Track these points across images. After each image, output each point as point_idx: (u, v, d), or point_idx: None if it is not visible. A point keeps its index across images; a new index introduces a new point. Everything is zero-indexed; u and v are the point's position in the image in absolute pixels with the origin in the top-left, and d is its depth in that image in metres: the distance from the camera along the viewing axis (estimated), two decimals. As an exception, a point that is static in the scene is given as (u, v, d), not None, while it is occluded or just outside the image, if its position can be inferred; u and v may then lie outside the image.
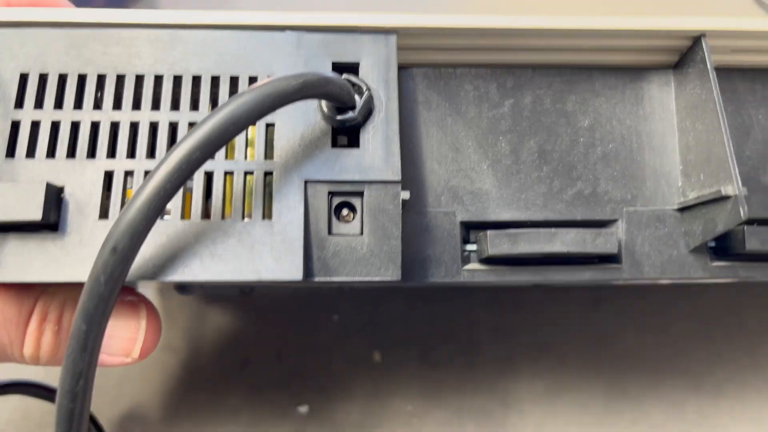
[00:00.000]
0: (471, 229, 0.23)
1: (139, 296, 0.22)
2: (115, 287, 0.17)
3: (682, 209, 0.23)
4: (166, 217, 0.19)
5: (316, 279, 0.19)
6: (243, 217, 0.19)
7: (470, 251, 0.23)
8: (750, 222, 0.22)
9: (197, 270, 0.19)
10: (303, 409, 0.34)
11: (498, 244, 0.22)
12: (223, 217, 0.19)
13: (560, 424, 0.34)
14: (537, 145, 0.23)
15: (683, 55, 0.23)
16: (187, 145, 0.16)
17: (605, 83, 0.24)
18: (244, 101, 0.17)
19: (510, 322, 0.38)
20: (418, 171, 0.23)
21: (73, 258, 0.19)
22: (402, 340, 0.37)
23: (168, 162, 0.16)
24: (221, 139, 0.17)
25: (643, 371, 0.36)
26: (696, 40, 0.23)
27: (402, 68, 0.23)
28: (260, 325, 0.37)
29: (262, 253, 0.19)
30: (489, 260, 0.23)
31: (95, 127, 0.20)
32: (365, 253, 0.20)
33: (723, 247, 0.23)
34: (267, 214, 0.19)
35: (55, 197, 0.19)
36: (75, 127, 0.20)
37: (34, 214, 0.18)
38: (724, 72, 0.24)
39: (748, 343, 0.38)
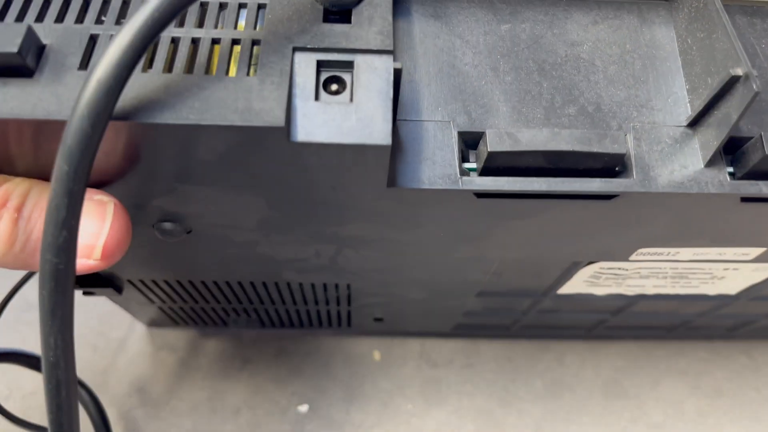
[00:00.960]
0: (470, 148, 0.22)
1: (109, 195, 0.21)
2: (97, 123, 0.16)
3: (693, 124, 0.22)
4: (149, 70, 0.18)
5: (299, 139, 0.18)
6: (225, 72, 0.19)
7: (470, 169, 0.22)
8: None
9: (178, 113, 0.18)
10: (303, 408, 0.34)
11: (498, 142, 0.21)
12: (206, 72, 0.18)
13: (560, 423, 0.34)
14: (536, 65, 0.23)
15: (678, -16, 0.24)
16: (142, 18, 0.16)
17: (605, 14, 0.24)
18: None
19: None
20: (413, 80, 0.22)
21: (47, 93, 0.18)
22: (402, 340, 0.35)
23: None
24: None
25: (642, 371, 0.36)
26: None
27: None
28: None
29: (249, 100, 0.18)
30: (489, 169, 0.21)
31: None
32: (352, 121, 0.19)
33: (739, 161, 0.22)
34: (252, 73, 0.19)
35: (35, 44, 0.18)
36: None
37: (10, 46, 0.17)
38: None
39: (747, 343, 0.38)
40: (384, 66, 0.19)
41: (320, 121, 0.18)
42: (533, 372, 0.34)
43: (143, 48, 0.16)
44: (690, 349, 0.37)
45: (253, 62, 0.19)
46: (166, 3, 0.16)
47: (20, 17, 0.19)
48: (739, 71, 0.19)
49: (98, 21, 0.20)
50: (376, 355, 0.36)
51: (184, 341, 0.36)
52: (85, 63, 0.18)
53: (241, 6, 0.20)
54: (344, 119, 0.19)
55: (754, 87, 0.19)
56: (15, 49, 0.17)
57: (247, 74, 0.19)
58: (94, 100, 0.16)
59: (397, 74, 0.19)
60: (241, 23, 0.20)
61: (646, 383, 0.36)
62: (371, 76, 0.19)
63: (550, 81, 0.23)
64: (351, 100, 0.19)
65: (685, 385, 0.36)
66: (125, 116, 0.17)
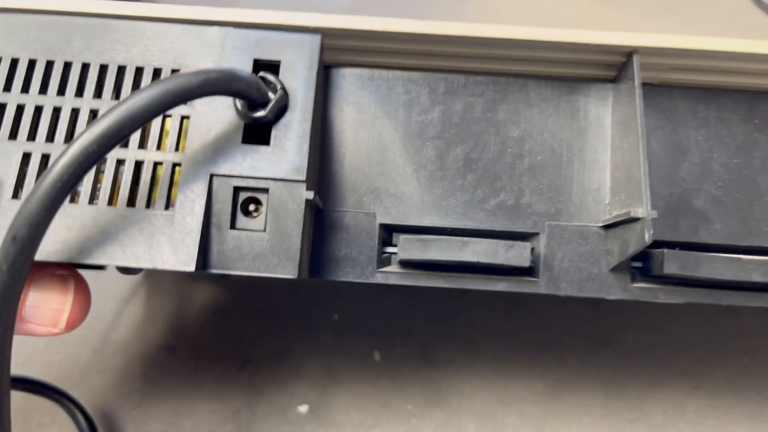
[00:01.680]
0: (393, 231, 0.24)
1: (70, 269, 0.23)
2: (18, 274, 0.18)
3: (606, 227, 0.23)
4: (77, 200, 0.20)
5: (212, 271, 0.20)
6: (148, 206, 0.20)
7: (390, 253, 0.23)
8: (673, 245, 0.22)
9: (97, 254, 0.19)
10: (303, 409, 0.35)
11: (409, 248, 0.22)
12: (128, 204, 0.20)
13: (560, 424, 0.35)
14: (463, 153, 0.23)
15: (620, 70, 0.23)
16: (84, 139, 0.17)
17: (540, 94, 0.24)
18: (143, 97, 0.17)
19: (510, 322, 0.38)
20: (341, 170, 0.23)
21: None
22: (402, 340, 0.37)
23: (66, 155, 0.17)
24: (118, 135, 0.17)
25: (642, 371, 0.36)
26: (629, 55, 0.22)
27: (333, 67, 0.23)
28: (260, 325, 0.38)
29: (161, 242, 0.20)
30: (404, 263, 0.23)
31: (20, 109, 0.21)
32: (264, 249, 0.20)
33: (646, 268, 0.23)
34: (170, 204, 0.20)
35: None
36: (2, 107, 0.21)
37: None
38: (665, 90, 0.24)
39: (747, 343, 0.37)
40: (297, 195, 0.20)
41: (235, 253, 0.20)
42: (533, 372, 0.35)
43: (54, 209, 0.17)
44: (690, 349, 0.37)
45: (174, 182, 0.20)
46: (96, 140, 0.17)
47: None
48: (639, 213, 0.20)
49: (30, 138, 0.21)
50: (376, 356, 0.36)
51: (184, 341, 0.37)
52: (17, 192, 0.20)
53: (165, 116, 0.21)
54: (255, 248, 0.20)
55: (646, 238, 0.19)
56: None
57: (166, 206, 0.20)
58: (11, 256, 0.17)
59: (309, 203, 0.20)
60: (165, 141, 0.21)
61: (646, 383, 0.36)
62: (285, 203, 0.20)
63: (474, 172, 0.23)
64: (264, 228, 0.20)
65: (685, 385, 0.36)
66: (46, 259, 0.19)
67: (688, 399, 0.36)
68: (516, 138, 0.23)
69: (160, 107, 0.18)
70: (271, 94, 0.21)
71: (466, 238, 0.22)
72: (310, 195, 0.20)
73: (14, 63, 0.21)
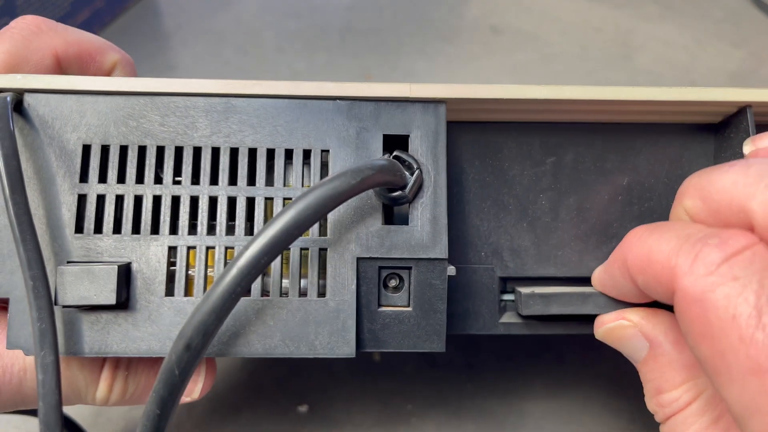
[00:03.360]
0: (509, 281, 0.25)
1: None
2: (187, 376, 0.18)
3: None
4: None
5: (367, 350, 0.21)
6: (299, 294, 0.20)
7: (507, 300, 0.24)
8: None
9: (257, 346, 0.20)
10: (303, 409, 0.34)
11: (531, 305, 0.23)
12: (281, 294, 0.20)
13: (560, 423, 0.34)
14: (576, 203, 0.24)
15: (727, 116, 0.24)
16: (252, 250, 0.17)
17: (647, 140, 0.24)
18: (301, 211, 0.18)
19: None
20: (461, 227, 0.24)
21: (143, 333, 0.20)
22: None
23: (236, 266, 0.17)
24: (283, 244, 0.18)
25: None
26: (741, 108, 0.23)
27: (448, 124, 0.24)
28: None
29: (318, 330, 0.20)
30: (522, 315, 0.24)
31: (157, 201, 0.21)
32: (412, 326, 0.21)
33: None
34: (322, 291, 0.21)
35: (124, 278, 0.20)
36: (138, 201, 0.21)
37: (108, 299, 0.19)
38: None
39: None
40: (440, 272, 0.21)
41: (384, 331, 0.21)
42: (533, 372, 0.35)
43: (224, 318, 0.18)
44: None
45: (321, 265, 0.21)
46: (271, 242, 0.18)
47: (98, 228, 0.21)
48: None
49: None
50: (376, 356, 0.36)
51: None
52: (170, 289, 0.20)
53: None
54: (403, 325, 0.21)
55: None
56: (113, 302, 0.19)
57: (318, 295, 0.20)
58: (184, 362, 0.18)
59: (451, 279, 0.21)
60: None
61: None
62: (429, 280, 0.21)
63: (587, 221, 0.24)
64: (408, 304, 0.21)
65: None
66: (207, 355, 0.20)
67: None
68: (625, 185, 0.24)
69: (322, 213, 0.18)
70: (408, 175, 0.21)
71: (587, 290, 0.23)
72: (453, 271, 0.21)
73: (142, 151, 0.21)
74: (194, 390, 0.24)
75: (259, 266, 0.17)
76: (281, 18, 0.49)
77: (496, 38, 0.47)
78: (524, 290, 0.23)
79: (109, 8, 0.48)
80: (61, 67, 0.24)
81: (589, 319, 0.24)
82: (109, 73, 0.25)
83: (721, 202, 0.17)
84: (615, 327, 0.21)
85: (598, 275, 0.22)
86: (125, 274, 0.20)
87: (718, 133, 0.24)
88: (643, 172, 0.24)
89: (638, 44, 0.46)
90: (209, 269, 0.21)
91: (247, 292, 0.20)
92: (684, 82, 0.44)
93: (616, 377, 0.36)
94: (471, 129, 0.24)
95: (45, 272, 0.19)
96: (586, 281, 0.24)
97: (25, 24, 0.24)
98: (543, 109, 0.23)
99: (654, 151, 0.24)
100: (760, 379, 0.14)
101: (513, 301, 0.24)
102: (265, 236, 0.18)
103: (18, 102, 0.21)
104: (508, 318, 0.24)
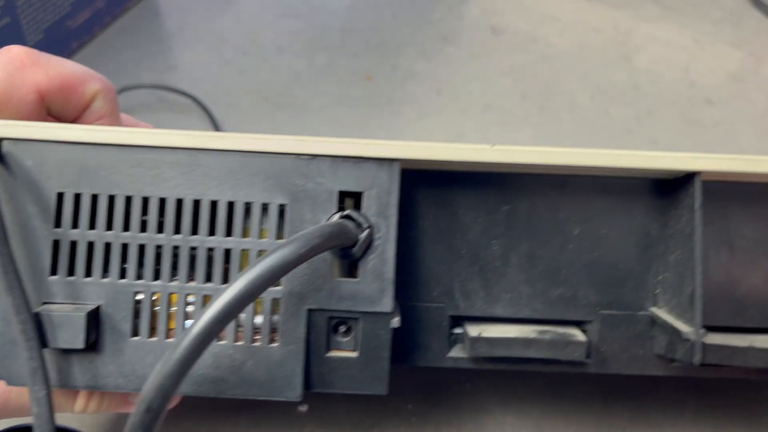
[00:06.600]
0: (459, 319, 0.26)
1: None
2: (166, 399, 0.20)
3: (653, 317, 0.25)
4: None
5: (315, 390, 0.23)
6: (251, 341, 0.22)
7: (457, 334, 0.26)
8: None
9: (209, 387, 0.22)
10: (303, 408, 0.35)
11: (478, 348, 0.25)
12: (234, 340, 0.22)
13: (560, 424, 0.34)
14: (527, 250, 0.25)
15: (678, 176, 0.24)
16: (201, 324, 0.19)
17: (601, 192, 0.25)
18: (244, 290, 0.19)
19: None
20: (415, 268, 0.25)
21: (111, 371, 0.22)
22: None
23: (190, 335, 0.19)
24: (233, 314, 0.19)
25: None
26: (689, 175, 0.23)
27: (403, 171, 0.25)
28: None
29: (268, 374, 0.22)
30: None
31: (125, 248, 0.22)
32: (357, 371, 0.23)
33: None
34: (273, 338, 0.22)
35: (94, 321, 0.22)
36: (107, 247, 0.22)
37: (77, 344, 0.21)
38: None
39: None
40: (385, 325, 0.23)
41: (331, 375, 0.23)
42: (533, 372, 0.35)
43: (182, 379, 0.20)
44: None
45: (273, 312, 0.23)
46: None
47: (71, 272, 0.22)
48: (690, 336, 0.23)
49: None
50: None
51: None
52: (135, 330, 0.22)
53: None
54: (350, 369, 0.23)
55: (695, 360, 0.22)
56: (82, 346, 0.21)
57: (269, 342, 0.22)
58: (146, 424, 0.20)
59: (404, 313, 0.23)
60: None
61: (646, 383, 0.35)
62: (374, 330, 0.23)
63: (537, 267, 0.25)
64: (355, 349, 0.23)
65: (685, 386, 0.36)
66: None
67: (687, 399, 0.35)
68: (576, 235, 0.25)
69: (273, 280, 0.19)
70: (358, 233, 0.22)
71: (530, 336, 0.25)
72: (396, 323, 0.23)
73: (111, 200, 0.22)
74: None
75: (212, 333, 0.19)
76: (281, 18, 0.49)
77: (496, 38, 0.47)
78: (472, 331, 0.25)
79: (109, 8, 0.48)
80: (43, 101, 0.25)
81: (532, 361, 0.26)
82: (90, 103, 0.26)
83: None
84: None
85: None
86: (95, 317, 0.22)
87: (671, 188, 0.25)
88: (596, 223, 0.25)
89: (638, 44, 0.45)
90: (172, 309, 0.23)
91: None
92: (683, 82, 0.44)
93: (616, 377, 0.34)
94: (428, 177, 0.25)
95: (32, 316, 0.21)
96: (533, 322, 0.25)
97: (9, 58, 0.25)
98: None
99: (607, 203, 0.25)
100: None
101: (462, 334, 0.26)
102: (219, 303, 0.19)
103: (-4, 149, 0.22)
104: (456, 352, 0.26)
